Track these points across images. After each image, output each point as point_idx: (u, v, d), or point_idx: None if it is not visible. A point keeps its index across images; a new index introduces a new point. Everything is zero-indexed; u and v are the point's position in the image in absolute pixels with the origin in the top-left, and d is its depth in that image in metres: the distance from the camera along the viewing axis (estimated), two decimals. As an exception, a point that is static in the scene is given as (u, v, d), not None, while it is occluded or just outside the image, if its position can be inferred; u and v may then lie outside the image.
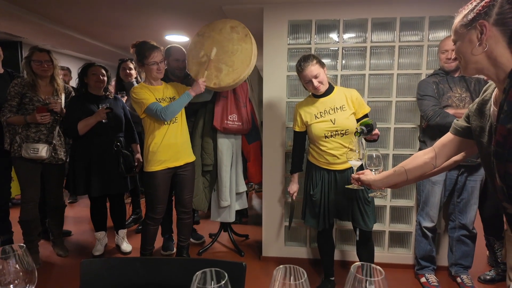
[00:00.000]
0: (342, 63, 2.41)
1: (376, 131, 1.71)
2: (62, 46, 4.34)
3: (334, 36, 2.42)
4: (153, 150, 2.11)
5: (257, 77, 2.69)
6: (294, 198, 2.12)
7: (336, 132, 1.88)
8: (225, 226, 2.86)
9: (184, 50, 2.54)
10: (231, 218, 2.59)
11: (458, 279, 2.23)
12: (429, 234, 2.23)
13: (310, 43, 2.42)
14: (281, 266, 0.56)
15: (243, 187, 2.59)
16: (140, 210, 3.44)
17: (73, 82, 2.95)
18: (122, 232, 2.82)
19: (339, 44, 2.39)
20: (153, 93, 2.10)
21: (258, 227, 3.22)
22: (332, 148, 1.89)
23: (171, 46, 2.56)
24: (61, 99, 2.53)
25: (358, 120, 1.91)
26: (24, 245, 0.66)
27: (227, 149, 2.46)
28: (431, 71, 2.24)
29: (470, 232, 2.18)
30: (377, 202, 2.49)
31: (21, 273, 0.65)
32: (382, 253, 2.52)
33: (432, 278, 2.24)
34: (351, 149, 1.66)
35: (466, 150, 1.09)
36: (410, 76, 2.38)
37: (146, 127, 2.15)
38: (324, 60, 2.46)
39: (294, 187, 2.09)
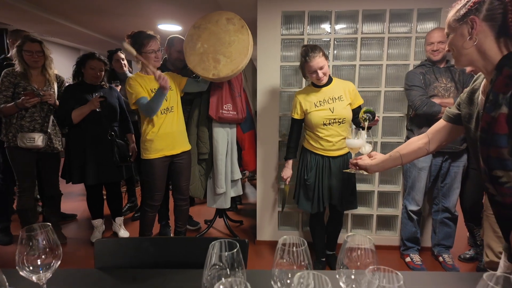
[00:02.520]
0: (334, 54, 2.48)
1: (376, 117, 1.81)
2: (49, 34, 4.26)
3: (326, 27, 2.48)
4: (150, 139, 2.16)
5: (251, 67, 2.73)
6: (287, 183, 2.22)
7: (334, 120, 2.00)
8: (220, 213, 2.94)
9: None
10: (227, 204, 2.68)
11: (440, 258, 2.39)
12: (415, 217, 2.37)
13: (303, 34, 2.47)
14: (285, 236, 0.64)
15: (238, 175, 2.66)
16: (135, 198, 3.50)
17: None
18: (119, 220, 2.88)
19: (331, 35, 2.45)
20: (147, 84, 2.12)
21: (251, 213, 3.33)
22: (329, 135, 2.02)
23: (174, 37, 2.58)
24: (54, 89, 2.53)
25: (353, 111, 2.03)
26: (50, 224, 0.72)
27: (223, 138, 2.52)
28: (419, 62, 2.33)
29: (452, 214, 2.33)
30: (365, 187, 2.62)
31: (47, 249, 0.71)
32: (370, 236, 2.65)
33: (416, 258, 2.39)
34: (345, 137, 1.74)
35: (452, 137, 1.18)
36: (399, 67, 2.47)
37: (142, 116, 2.19)
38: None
39: (288, 173, 2.19)
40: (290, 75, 2.55)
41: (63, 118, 2.43)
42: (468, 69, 1.73)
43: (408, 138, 2.33)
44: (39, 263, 0.71)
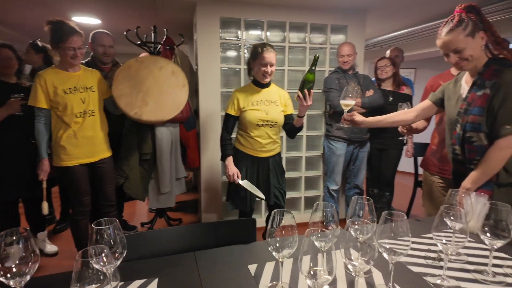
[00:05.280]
0: (267, 59, 2.80)
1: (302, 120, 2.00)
2: None
3: (259, 34, 2.78)
4: (63, 145, 1.95)
5: (188, 67, 2.80)
6: (239, 178, 2.00)
7: (267, 123, 1.99)
8: (160, 213, 2.93)
9: (111, 35, 2.45)
10: (172, 203, 2.71)
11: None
12: (335, 194, 2.91)
13: (239, 39, 2.71)
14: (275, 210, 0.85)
15: (182, 173, 2.73)
16: (53, 209, 3.12)
17: None
18: (43, 235, 2.56)
19: (263, 41, 2.75)
20: (61, 83, 1.92)
21: (187, 210, 3.42)
22: (259, 135, 2.00)
23: (96, 32, 2.44)
24: None
25: (285, 117, 2.07)
26: (117, 220, 0.77)
27: (167, 137, 2.55)
28: (332, 69, 2.86)
29: (360, 190, 2.96)
30: (293, 174, 3.05)
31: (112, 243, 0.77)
32: (300, 215, 3.12)
33: (335, 227, 2.93)
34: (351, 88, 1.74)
35: (428, 118, 1.61)
36: (317, 72, 2.94)
37: (53, 117, 1.97)
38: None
39: (233, 169, 1.98)
40: (230, 75, 2.75)
41: None
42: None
43: (328, 131, 2.84)
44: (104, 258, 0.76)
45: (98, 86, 2.07)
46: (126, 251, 0.79)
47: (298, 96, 1.82)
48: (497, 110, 1.23)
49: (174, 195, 2.71)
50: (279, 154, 2.15)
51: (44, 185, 2.08)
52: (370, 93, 2.71)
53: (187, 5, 2.59)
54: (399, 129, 1.82)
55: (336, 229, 0.97)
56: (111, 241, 0.76)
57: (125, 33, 2.56)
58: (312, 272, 0.72)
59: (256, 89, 2.04)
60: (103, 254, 0.65)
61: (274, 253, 0.82)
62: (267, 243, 0.82)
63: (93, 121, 2.02)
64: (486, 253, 1.01)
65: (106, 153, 2.15)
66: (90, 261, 0.72)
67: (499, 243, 0.90)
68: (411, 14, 3.14)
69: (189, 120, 2.66)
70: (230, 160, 2.01)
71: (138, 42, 2.58)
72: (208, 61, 2.64)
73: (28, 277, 0.71)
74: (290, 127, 2.07)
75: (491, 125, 1.25)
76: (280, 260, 0.84)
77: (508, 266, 0.96)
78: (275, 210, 0.84)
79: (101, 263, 0.74)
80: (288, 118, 2.08)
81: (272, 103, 2.03)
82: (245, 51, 2.76)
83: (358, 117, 1.63)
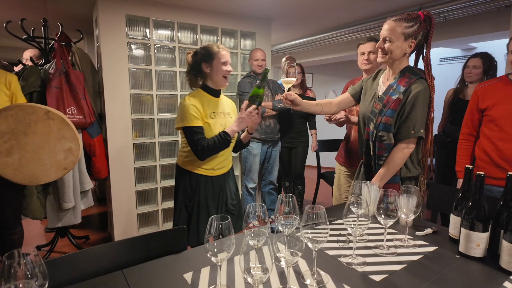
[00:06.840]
0: (180, 60, 2.74)
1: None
2: None
3: (170, 34, 2.69)
4: None
5: (89, 67, 2.51)
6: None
7: None
8: (62, 232, 2.58)
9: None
10: (77, 219, 2.41)
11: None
12: (252, 192, 3.05)
13: (149, 39, 2.57)
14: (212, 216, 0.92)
15: (89, 185, 2.45)
16: None
17: None
18: None
19: (175, 43, 2.69)
20: None
21: (93, 225, 3.10)
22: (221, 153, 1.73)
23: None
24: None
25: None
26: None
27: (68, 145, 2.25)
28: (244, 73, 2.98)
29: (275, 185, 3.18)
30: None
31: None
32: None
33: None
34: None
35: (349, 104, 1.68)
36: (231, 76, 3.03)
37: None
38: (163, 56, 2.72)
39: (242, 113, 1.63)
40: (139, 76, 2.59)
41: None
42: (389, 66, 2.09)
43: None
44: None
45: (5, 93, 1.77)
46: (47, 282, 0.70)
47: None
48: (407, 116, 1.36)
49: (80, 210, 2.42)
50: (232, 168, 1.89)
51: None
52: (279, 97, 2.93)
53: (85, -1, 2.33)
54: (333, 116, 1.96)
55: (266, 225, 1.04)
56: (29, 273, 0.67)
57: (4, 24, 2.15)
58: (250, 270, 0.77)
59: (210, 98, 1.69)
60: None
61: (212, 258, 0.84)
62: (205, 248, 0.84)
63: None
64: (381, 231, 1.24)
65: None
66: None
67: (390, 222, 1.11)
68: (308, 25, 3.51)
69: (93, 126, 2.40)
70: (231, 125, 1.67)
71: (24, 37, 2.20)
72: (113, 60, 2.43)
73: None
74: (238, 142, 1.85)
75: (398, 127, 1.41)
76: (219, 264, 0.86)
77: (397, 239, 1.21)
78: (213, 216, 0.86)
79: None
80: None
81: (227, 115, 1.75)
82: (155, 51, 2.64)
83: (299, 99, 1.54)
